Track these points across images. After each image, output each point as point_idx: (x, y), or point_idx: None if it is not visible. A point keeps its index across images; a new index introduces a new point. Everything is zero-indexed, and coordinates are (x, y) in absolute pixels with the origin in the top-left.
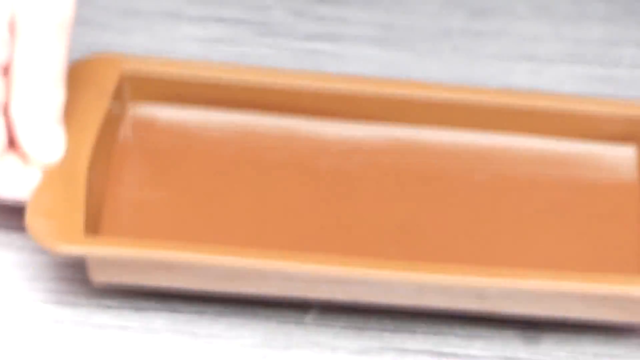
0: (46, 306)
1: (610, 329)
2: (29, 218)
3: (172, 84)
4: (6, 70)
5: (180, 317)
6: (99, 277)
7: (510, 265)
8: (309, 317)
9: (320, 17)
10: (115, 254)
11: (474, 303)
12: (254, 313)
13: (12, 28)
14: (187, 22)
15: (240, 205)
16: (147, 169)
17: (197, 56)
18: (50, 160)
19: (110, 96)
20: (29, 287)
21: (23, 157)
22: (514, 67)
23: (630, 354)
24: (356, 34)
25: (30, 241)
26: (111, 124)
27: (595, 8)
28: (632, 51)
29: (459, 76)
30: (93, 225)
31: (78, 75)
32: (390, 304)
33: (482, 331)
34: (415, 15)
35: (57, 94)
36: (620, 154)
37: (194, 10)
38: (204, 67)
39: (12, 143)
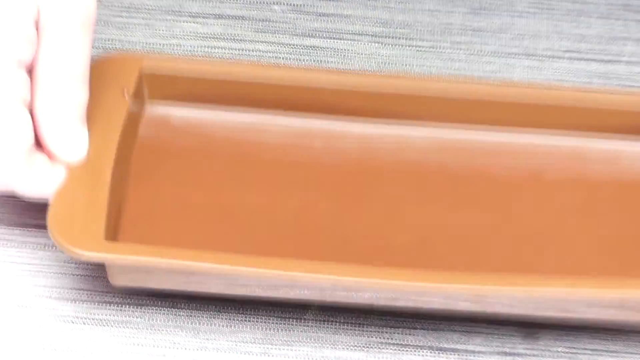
0: (49, 301)
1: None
2: (51, 221)
3: (190, 82)
4: (31, 69)
5: (181, 313)
6: (118, 281)
7: (527, 263)
8: (310, 314)
9: (320, 13)
10: (134, 262)
11: (473, 307)
12: (255, 309)
13: (37, 26)
14: (187, 19)
15: (255, 207)
16: (163, 169)
17: (197, 52)
18: (74, 159)
19: (130, 95)
20: (32, 282)
21: (49, 155)
22: (514, 63)
23: (627, 351)
24: (356, 30)
25: (31, 237)
26: (131, 123)
27: (595, 5)
28: (631, 48)
29: (459, 72)
30: (113, 228)
31: (97, 73)
32: (394, 306)
33: (480, 327)
34: (415, 12)
35: (81, 93)
36: (637, 149)
37: (194, 7)
38: (222, 65)
39: (38, 142)
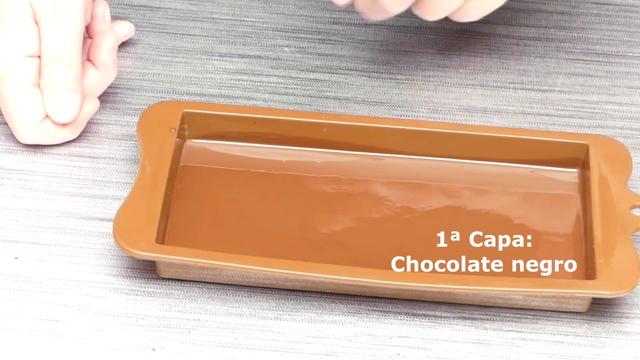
0: (108, 277)
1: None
2: (116, 229)
3: (219, 122)
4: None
5: (212, 287)
6: (164, 274)
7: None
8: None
9: (320, 53)
10: (175, 260)
11: (437, 297)
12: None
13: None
14: (217, 57)
15: (269, 216)
16: (199, 188)
17: (225, 84)
18: (65, 121)
19: (176, 132)
20: (96, 263)
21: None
22: (471, 92)
23: (544, 315)
24: (348, 67)
25: (96, 228)
26: (176, 153)
27: (533, 47)
28: (562, 80)
29: (428, 100)
30: (162, 233)
31: (153, 115)
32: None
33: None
34: (394, 52)
35: (72, 68)
36: (567, 175)
37: (223, 48)
38: (243, 109)
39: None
